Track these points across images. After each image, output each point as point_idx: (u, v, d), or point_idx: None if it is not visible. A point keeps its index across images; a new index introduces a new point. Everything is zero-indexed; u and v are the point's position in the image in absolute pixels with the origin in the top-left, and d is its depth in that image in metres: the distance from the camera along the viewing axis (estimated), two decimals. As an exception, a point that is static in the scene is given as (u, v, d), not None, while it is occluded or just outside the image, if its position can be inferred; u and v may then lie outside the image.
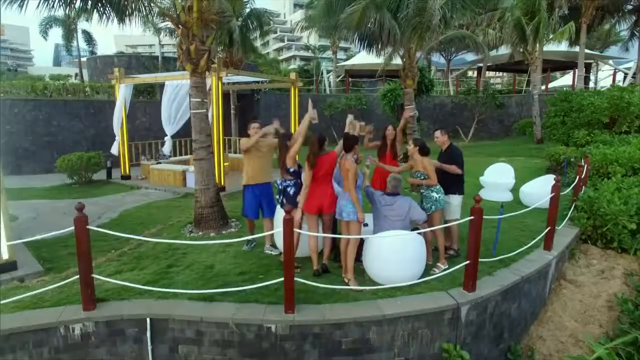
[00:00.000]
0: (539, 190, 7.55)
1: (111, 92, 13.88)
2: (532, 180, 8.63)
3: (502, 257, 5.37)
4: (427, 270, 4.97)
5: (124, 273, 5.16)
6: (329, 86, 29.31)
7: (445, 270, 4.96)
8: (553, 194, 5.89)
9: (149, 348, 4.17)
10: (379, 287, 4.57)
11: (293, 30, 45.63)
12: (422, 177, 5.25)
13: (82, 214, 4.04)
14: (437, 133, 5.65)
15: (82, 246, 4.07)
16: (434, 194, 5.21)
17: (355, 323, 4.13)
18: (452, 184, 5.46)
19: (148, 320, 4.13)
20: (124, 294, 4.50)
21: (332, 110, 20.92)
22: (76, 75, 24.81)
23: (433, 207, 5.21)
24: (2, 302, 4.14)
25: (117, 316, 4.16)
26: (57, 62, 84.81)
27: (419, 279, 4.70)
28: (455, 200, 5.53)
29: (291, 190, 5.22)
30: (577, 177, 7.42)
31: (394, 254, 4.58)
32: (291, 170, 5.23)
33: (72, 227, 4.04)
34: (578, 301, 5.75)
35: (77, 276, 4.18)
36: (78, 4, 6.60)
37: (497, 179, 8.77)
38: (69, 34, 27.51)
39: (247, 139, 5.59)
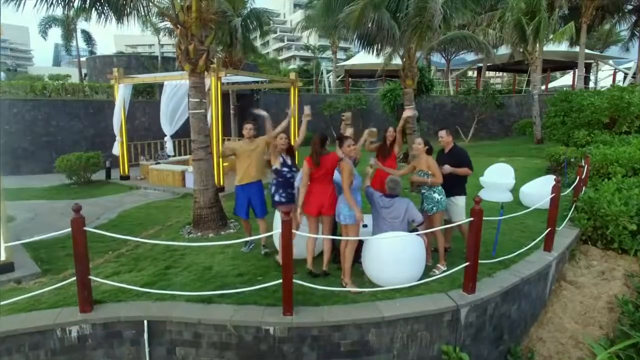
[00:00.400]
0: (539, 190, 7.53)
1: (110, 92, 13.86)
2: (532, 180, 8.61)
3: (502, 258, 5.34)
4: (427, 272, 4.94)
5: (122, 274, 5.14)
6: (329, 86, 29.28)
7: (444, 271, 4.94)
8: (553, 195, 5.86)
9: (147, 350, 4.14)
10: (378, 288, 4.55)
11: (293, 30, 45.59)
12: (426, 177, 5.21)
13: (79, 215, 4.01)
14: (442, 133, 5.58)
15: (79, 247, 4.04)
16: (436, 195, 5.15)
17: (354, 325, 4.11)
18: (455, 184, 5.41)
19: (145, 322, 4.11)
20: (122, 295, 4.47)
21: (332, 110, 20.90)
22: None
23: (435, 208, 5.14)
24: (-2, 304, 4.11)
25: (114, 318, 4.13)
26: (56, 62, 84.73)
27: (418, 280, 4.68)
28: (461, 201, 5.49)
29: (272, 188, 5.33)
30: (578, 177, 7.38)
31: (393, 255, 4.56)
32: (273, 168, 5.32)
33: (70, 229, 4.01)
34: (578, 302, 5.72)
35: (75, 278, 4.16)
36: (77, 3, 6.59)
37: (497, 180, 8.74)
38: (69, 34, 27.46)
39: (227, 145, 5.74)
